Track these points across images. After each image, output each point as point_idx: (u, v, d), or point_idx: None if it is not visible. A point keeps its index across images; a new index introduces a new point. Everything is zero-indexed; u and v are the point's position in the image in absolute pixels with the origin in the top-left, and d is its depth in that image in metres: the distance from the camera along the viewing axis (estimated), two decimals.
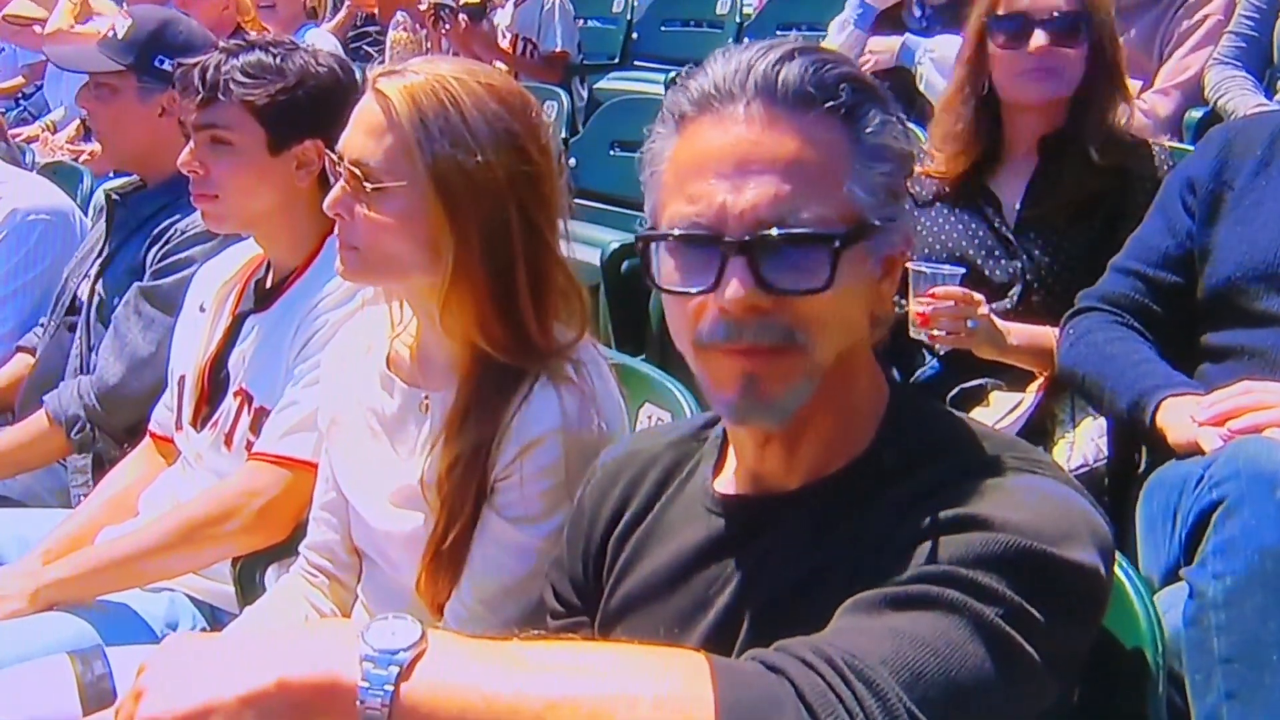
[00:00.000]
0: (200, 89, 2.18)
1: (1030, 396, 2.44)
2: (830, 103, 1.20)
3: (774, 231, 1.18)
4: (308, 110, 2.19)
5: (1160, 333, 2.23)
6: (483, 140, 1.67)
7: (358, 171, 1.68)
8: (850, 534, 1.22)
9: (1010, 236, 2.61)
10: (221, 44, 2.30)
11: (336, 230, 1.74)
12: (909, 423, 1.28)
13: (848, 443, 1.27)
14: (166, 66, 2.84)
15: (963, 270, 2.44)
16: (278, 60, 2.20)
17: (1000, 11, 2.64)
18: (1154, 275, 2.23)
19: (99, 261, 2.99)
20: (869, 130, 1.22)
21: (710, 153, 1.21)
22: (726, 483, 1.36)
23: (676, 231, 1.22)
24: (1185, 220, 2.21)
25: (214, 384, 2.31)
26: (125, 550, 2.19)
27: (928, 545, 1.14)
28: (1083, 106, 2.60)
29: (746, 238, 1.18)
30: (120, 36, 2.91)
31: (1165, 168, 2.54)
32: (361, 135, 1.69)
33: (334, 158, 1.72)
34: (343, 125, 1.75)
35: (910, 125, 1.30)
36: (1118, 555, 1.43)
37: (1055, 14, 2.59)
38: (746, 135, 1.20)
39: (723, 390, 1.23)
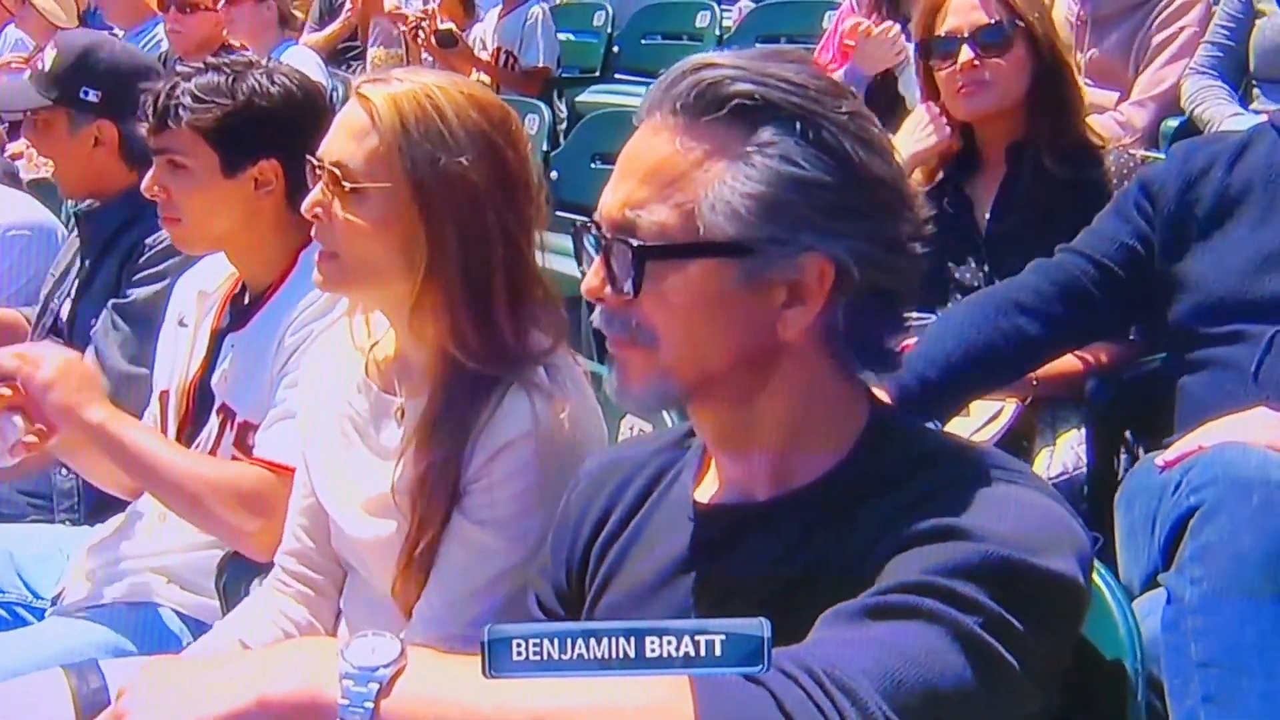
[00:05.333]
0: (151, 115, 2.19)
1: (1010, 406, 2.46)
2: (710, 116, 1.21)
3: (612, 233, 1.24)
4: (258, 131, 2.18)
5: (1086, 318, 2.28)
6: (462, 146, 1.69)
7: (338, 173, 1.70)
8: (829, 545, 1.23)
9: (981, 242, 2.64)
10: (178, 67, 2.30)
11: (315, 237, 1.75)
12: (887, 437, 1.29)
13: (820, 454, 1.28)
14: (92, 98, 2.85)
15: (931, 319, 2.46)
16: (229, 81, 2.19)
17: (934, 33, 2.69)
18: (1103, 262, 2.25)
19: (77, 281, 2.98)
20: (750, 149, 1.20)
21: (620, 155, 1.28)
22: (707, 492, 1.36)
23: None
24: (1142, 225, 2.23)
25: (198, 404, 2.31)
26: (154, 456, 2.13)
27: (907, 556, 1.15)
28: (1036, 114, 2.64)
29: (602, 234, 1.26)
30: (47, 70, 2.89)
31: (1130, 173, 2.56)
32: (343, 138, 1.72)
33: (314, 161, 1.74)
34: (303, 143, 1.78)
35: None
36: (1097, 563, 1.45)
37: (980, 28, 2.63)
38: (638, 140, 1.25)
39: None
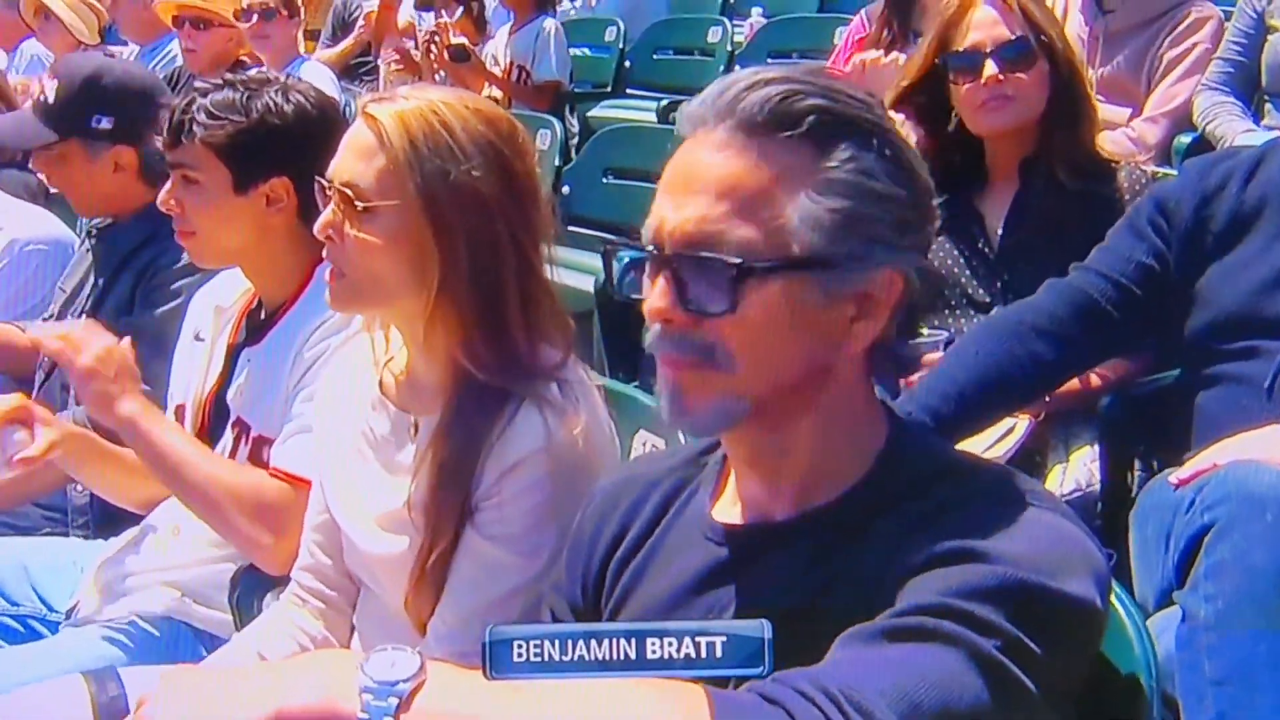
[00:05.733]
0: (166, 130, 2.21)
1: (1024, 423, 2.45)
2: (789, 132, 1.21)
3: (691, 251, 1.21)
4: (271, 149, 2.19)
5: (1103, 338, 2.27)
6: (471, 160, 1.70)
7: (349, 193, 1.71)
8: (847, 564, 1.23)
9: (993, 257, 2.64)
10: (196, 83, 2.31)
11: (327, 257, 1.76)
12: (906, 455, 1.29)
13: (842, 473, 1.28)
14: (105, 125, 2.82)
15: (945, 335, 2.46)
16: (244, 98, 2.20)
17: (953, 48, 2.68)
18: (1119, 280, 2.24)
19: (90, 299, 2.98)
20: (831, 164, 1.21)
21: (670, 171, 1.26)
22: (725, 510, 1.36)
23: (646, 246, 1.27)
24: (1158, 243, 2.23)
25: (214, 418, 2.32)
26: (178, 455, 2.14)
27: (924, 577, 1.15)
28: (1051, 128, 2.64)
29: (669, 253, 1.23)
30: (52, 101, 2.85)
31: (1143, 188, 2.56)
32: (352, 158, 1.73)
33: (323, 183, 1.75)
34: (316, 161, 1.79)
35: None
36: (1113, 582, 1.45)
37: (1003, 43, 2.62)
38: (700, 156, 1.24)
39: (659, 396, 1.28)
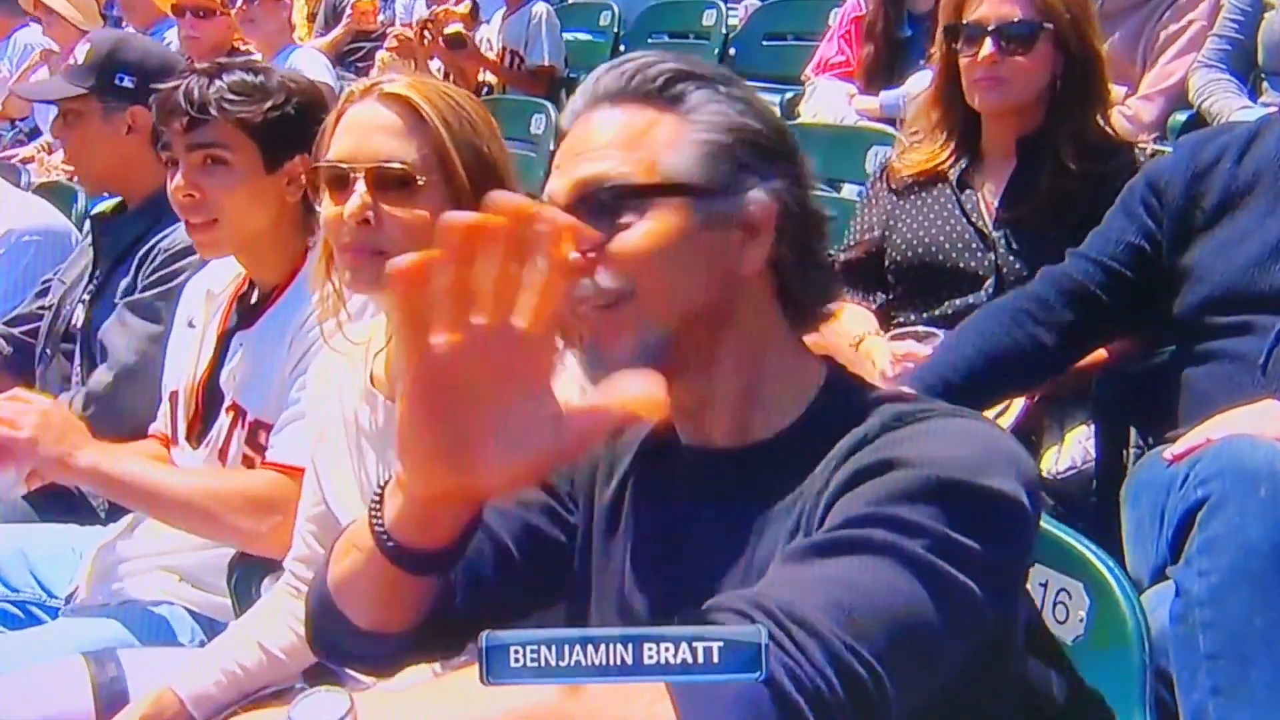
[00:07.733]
0: (189, 109, 2.17)
1: (1018, 402, 2.46)
2: (644, 90, 1.30)
3: (580, 197, 1.27)
4: (297, 126, 2.19)
5: (1097, 321, 2.29)
6: (488, 138, 1.75)
7: (399, 169, 1.71)
8: (789, 495, 1.25)
9: (987, 231, 2.64)
10: (195, 66, 2.30)
11: (356, 240, 1.74)
12: (843, 393, 1.32)
13: (780, 410, 1.31)
14: (127, 83, 2.89)
15: (941, 334, 2.47)
16: (259, 79, 2.21)
17: (960, 19, 2.67)
18: (1111, 266, 2.26)
19: (90, 290, 2.99)
20: (687, 108, 1.30)
21: (556, 158, 1.34)
22: (672, 447, 1.37)
23: None
24: (1149, 223, 2.23)
25: (207, 403, 2.32)
26: (156, 483, 2.15)
27: (853, 494, 1.18)
28: (1058, 109, 2.62)
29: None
30: (81, 62, 2.94)
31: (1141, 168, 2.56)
32: (381, 138, 1.73)
33: (341, 167, 1.73)
34: (314, 143, 1.79)
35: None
36: (1105, 556, 1.46)
37: (1006, 23, 2.60)
38: (577, 133, 1.32)
39: (577, 354, 1.30)
